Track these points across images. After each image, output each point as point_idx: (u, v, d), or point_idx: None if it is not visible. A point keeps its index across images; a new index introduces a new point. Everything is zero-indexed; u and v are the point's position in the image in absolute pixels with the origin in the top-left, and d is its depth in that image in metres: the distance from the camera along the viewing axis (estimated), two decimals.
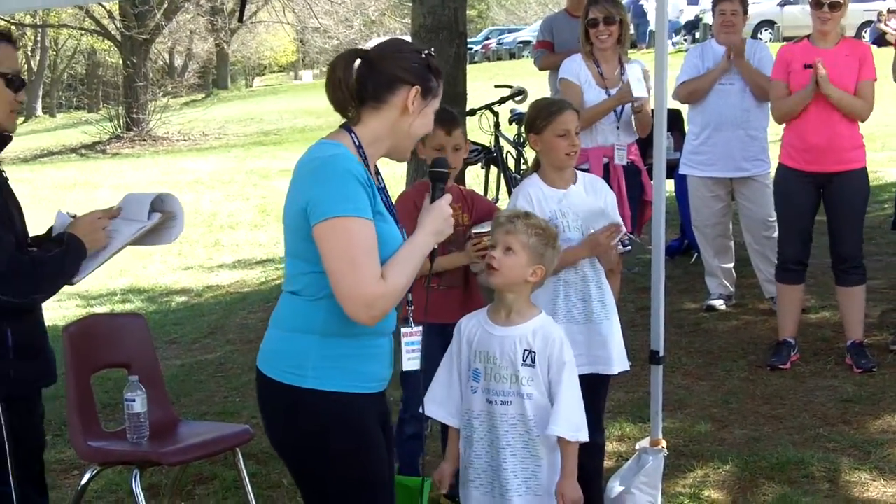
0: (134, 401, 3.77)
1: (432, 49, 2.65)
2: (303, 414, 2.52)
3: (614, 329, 3.68)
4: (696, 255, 6.88)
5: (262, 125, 23.37)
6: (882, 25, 12.15)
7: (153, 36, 24.13)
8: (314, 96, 27.54)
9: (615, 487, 3.73)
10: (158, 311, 7.87)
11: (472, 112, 8.72)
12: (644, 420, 4.49)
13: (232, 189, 13.70)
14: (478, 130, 9.39)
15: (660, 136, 3.75)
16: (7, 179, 2.93)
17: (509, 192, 8.75)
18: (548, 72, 6.85)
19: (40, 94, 37.75)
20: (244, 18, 24.75)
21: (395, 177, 5.94)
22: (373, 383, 2.59)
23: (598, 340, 3.63)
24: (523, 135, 9.27)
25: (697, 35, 24.40)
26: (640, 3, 23.38)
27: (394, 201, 2.73)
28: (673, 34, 24.55)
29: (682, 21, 26.45)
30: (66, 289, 3.20)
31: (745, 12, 6.01)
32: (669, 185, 6.25)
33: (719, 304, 6.30)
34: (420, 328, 2.69)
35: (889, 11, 12.40)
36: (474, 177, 9.48)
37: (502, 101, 9.38)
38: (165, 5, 23.97)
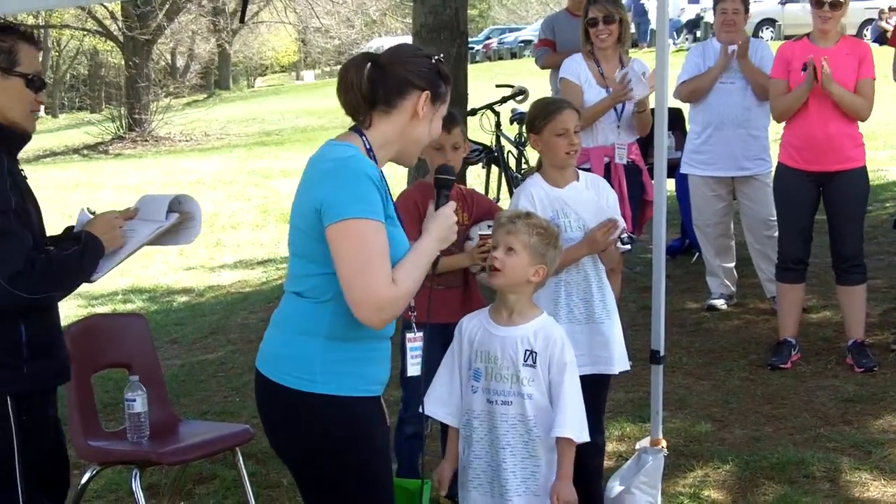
0: (134, 401, 3.77)
1: (441, 55, 2.68)
2: (309, 418, 2.52)
3: (615, 329, 3.68)
4: (697, 254, 6.88)
5: (263, 125, 23.37)
6: (883, 23, 12.13)
7: (155, 36, 24.15)
8: (316, 96, 27.58)
9: (615, 487, 3.72)
10: (160, 310, 7.87)
11: (474, 112, 8.71)
12: (644, 420, 4.48)
13: (233, 189, 13.70)
14: (479, 130, 9.39)
15: (661, 136, 3.75)
16: (26, 178, 2.94)
17: (510, 192, 8.76)
18: (549, 71, 6.85)
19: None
20: (246, 19, 24.77)
21: (395, 177, 5.94)
22: (375, 386, 2.61)
23: (600, 340, 3.63)
24: (524, 134, 9.29)
25: (698, 34, 24.40)
26: (641, 1, 23.36)
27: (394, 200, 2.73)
28: (674, 33, 24.55)
29: (683, 20, 26.45)
30: None
31: (747, 11, 6.01)
32: (670, 184, 6.25)
33: (720, 303, 6.29)
34: (422, 333, 2.71)
35: (890, 9, 12.41)
36: (475, 176, 9.48)
37: (503, 100, 9.38)
38: (167, 6, 23.99)
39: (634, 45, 22.26)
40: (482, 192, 7.74)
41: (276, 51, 42.99)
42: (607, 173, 5.17)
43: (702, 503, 4.00)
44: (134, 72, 22.86)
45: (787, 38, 21.46)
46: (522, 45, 32.39)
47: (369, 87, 2.54)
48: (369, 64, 2.56)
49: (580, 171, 3.84)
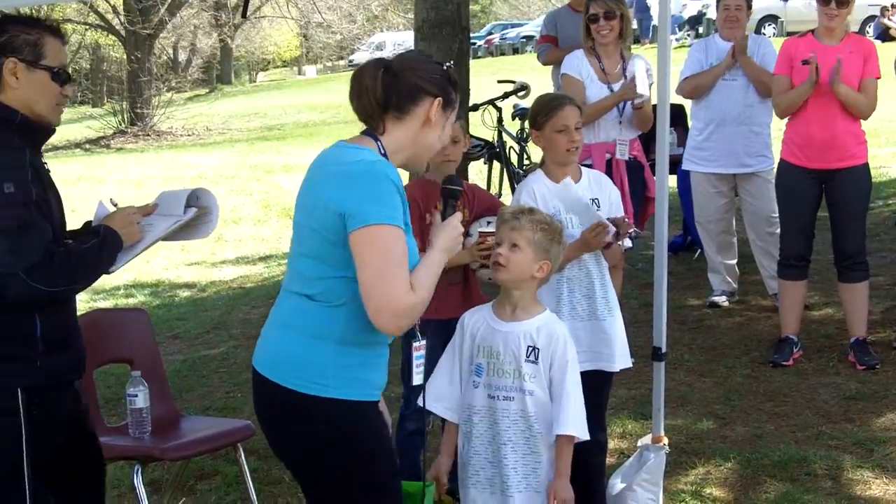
0: (136, 396, 3.77)
1: (451, 62, 2.70)
2: (320, 423, 2.52)
3: (617, 326, 3.68)
4: (698, 251, 6.87)
5: (265, 120, 23.36)
6: (886, 20, 12.12)
7: (157, 31, 24.15)
8: (318, 91, 27.56)
9: (617, 484, 3.73)
10: (162, 305, 7.88)
11: (476, 107, 8.72)
12: (646, 417, 4.48)
13: (235, 184, 13.70)
14: (481, 126, 9.39)
15: (662, 132, 3.74)
16: (49, 171, 2.95)
17: (512, 188, 8.76)
18: (551, 67, 6.85)
19: None
20: (247, 14, 24.75)
21: None
22: (377, 391, 2.63)
23: (602, 337, 3.63)
24: (526, 130, 9.30)
25: (700, 30, 24.36)
26: None
27: None
28: (676, 29, 24.51)
29: (685, 16, 26.42)
30: None
31: (749, 7, 6.00)
32: (672, 180, 6.25)
33: (722, 300, 6.29)
34: (424, 342, 2.73)
35: (893, 6, 12.39)
36: (477, 172, 9.48)
37: (505, 96, 9.38)
38: (169, 0, 23.97)
39: (636, 41, 22.26)
40: (484, 187, 7.74)
41: (277, 45, 42.95)
42: (609, 169, 5.16)
43: (703, 501, 3.99)
44: (136, 66, 22.86)
45: (789, 34, 21.41)
46: (524, 40, 32.35)
47: (384, 92, 2.56)
48: (382, 70, 2.57)
49: (583, 168, 3.83)
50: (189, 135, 21.96)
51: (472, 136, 8.44)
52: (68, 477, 3.02)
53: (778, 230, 5.78)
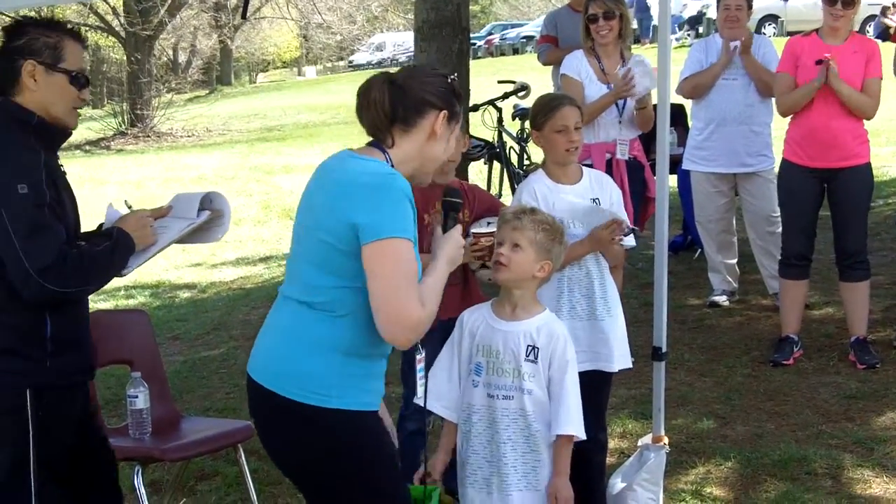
0: (136, 397, 3.77)
1: (455, 74, 2.72)
2: (322, 433, 2.52)
3: (617, 326, 3.67)
4: (699, 250, 6.87)
5: (265, 121, 23.35)
6: (886, 20, 12.11)
7: (157, 32, 24.13)
8: (318, 92, 27.56)
9: (617, 484, 3.72)
10: (162, 306, 7.88)
11: (476, 108, 8.72)
12: (646, 416, 4.48)
13: (235, 185, 13.70)
14: (481, 126, 9.39)
15: (663, 132, 3.74)
16: (65, 173, 2.97)
17: (512, 188, 8.76)
18: (551, 67, 6.85)
19: None
20: (247, 15, 24.74)
21: None
22: (377, 400, 2.64)
23: (601, 337, 3.63)
24: (526, 130, 9.30)
25: (701, 30, 24.36)
26: None
27: None
28: (676, 29, 24.51)
29: (685, 16, 26.41)
30: None
31: (750, 7, 5.99)
32: (672, 180, 6.24)
33: (722, 299, 6.29)
34: (424, 354, 2.76)
35: (894, 6, 12.39)
36: (477, 172, 9.48)
37: (505, 96, 9.38)
38: (169, 2, 23.96)
39: (637, 41, 22.27)
40: (484, 187, 7.74)
41: (277, 46, 42.96)
42: (609, 169, 5.16)
43: (704, 500, 3.99)
44: (136, 67, 22.84)
45: (789, 34, 21.42)
46: (524, 40, 32.35)
47: (391, 105, 2.57)
48: (388, 83, 2.59)
49: (585, 168, 3.83)
50: (189, 136, 21.96)
51: (472, 137, 8.45)
52: (79, 478, 3.03)
53: (778, 230, 5.77)
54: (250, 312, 7.33)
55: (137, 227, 3.00)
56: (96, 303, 7.72)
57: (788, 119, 5.41)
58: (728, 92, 5.92)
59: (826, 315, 5.99)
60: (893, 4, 18.36)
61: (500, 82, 9.96)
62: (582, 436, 3.09)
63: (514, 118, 9.58)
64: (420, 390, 2.79)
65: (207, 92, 34.15)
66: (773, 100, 5.92)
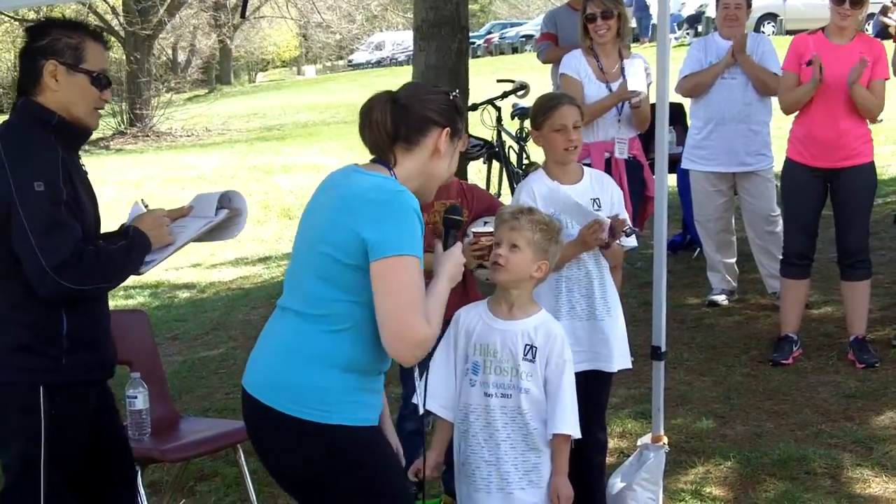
0: (136, 398, 3.77)
1: (457, 91, 2.73)
2: (322, 449, 2.51)
3: (617, 326, 3.67)
4: (698, 250, 6.87)
5: (264, 120, 23.35)
6: (885, 18, 12.09)
7: (156, 32, 24.12)
8: (317, 91, 27.55)
9: (616, 484, 3.72)
10: (161, 307, 7.88)
11: (475, 107, 8.71)
12: (645, 416, 4.48)
13: (234, 185, 13.68)
14: (480, 125, 9.38)
15: (661, 131, 3.74)
16: (87, 173, 2.99)
17: (511, 188, 8.75)
18: (550, 66, 6.84)
19: None
20: (247, 14, 24.73)
21: None
22: (376, 414, 2.64)
23: (600, 338, 3.63)
24: (525, 129, 9.29)
25: (700, 28, 24.36)
26: None
27: None
28: (675, 28, 24.51)
29: (684, 15, 26.41)
30: None
31: (749, 6, 5.99)
32: (671, 179, 6.24)
33: (721, 299, 6.29)
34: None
35: (894, 4, 12.36)
36: (476, 172, 9.47)
37: (504, 95, 9.37)
38: (168, 1, 23.95)
39: (636, 39, 22.27)
40: (483, 187, 7.74)
41: (277, 46, 42.94)
42: (608, 168, 5.16)
43: (703, 500, 3.99)
44: (135, 67, 22.83)
45: (788, 32, 21.42)
46: (524, 39, 32.35)
47: (392, 124, 2.57)
48: (390, 102, 2.60)
49: (585, 168, 3.83)
50: (188, 135, 21.94)
51: (471, 136, 8.45)
52: (94, 477, 3.03)
53: (777, 229, 5.76)
54: (249, 312, 7.33)
55: (154, 226, 3.02)
56: None
57: (791, 118, 5.40)
58: (727, 91, 5.92)
59: (825, 314, 5.99)
60: (893, 3, 18.31)
61: (499, 81, 9.95)
62: (577, 435, 3.10)
63: (513, 117, 9.57)
64: (420, 398, 2.80)
65: (207, 91, 34.14)
66: (773, 99, 5.94)
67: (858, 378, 5.04)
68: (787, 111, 5.39)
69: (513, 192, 7.56)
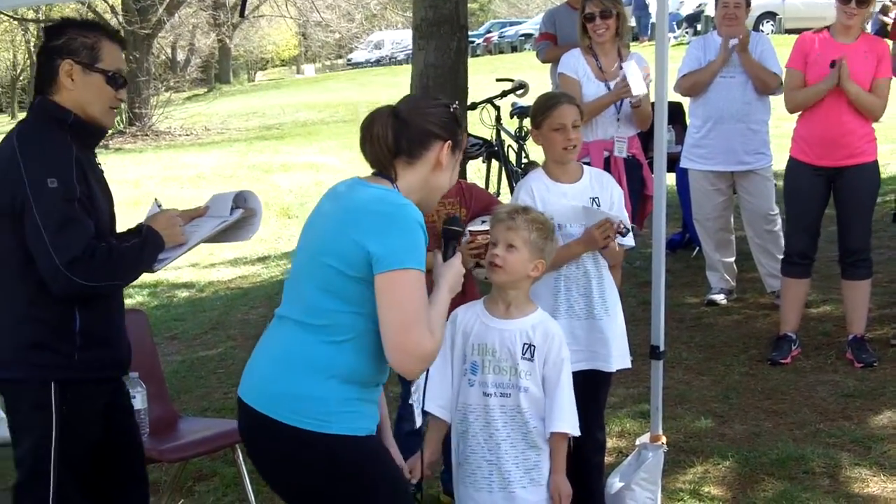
0: (134, 397, 3.75)
1: (457, 103, 2.74)
2: (320, 458, 2.51)
3: (616, 326, 3.67)
4: (697, 249, 6.87)
5: (264, 119, 23.33)
6: (884, 17, 12.08)
7: (155, 31, 24.10)
8: (316, 90, 27.53)
9: (615, 483, 3.72)
10: (160, 306, 7.87)
11: (474, 106, 8.70)
12: (644, 416, 4.48)
13: (234, 184, 13.66)
14: (479, 124, 9.37)
15: (660, 130, 3.74)
16: (103, 171, 3.01)
17: (511, 187, 8.75)
18: (549, 65, 6.84)
19: None
20: (246, 13, 24.72)
21: None
22: (374, 423, 2.64)
23: (599, 337, 3.63)
24: (524, 128, 9.28)
25: (699, 27, 24.36)
26: None
27: None
28: (674, 26, 24.50)
29: (683, 13, 26.40)
30: None
31: (748, 4, 5.98)
32: (670, 178, 6.24)
33: (720, 298, 6.29)
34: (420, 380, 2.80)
35: (894, 3, 12.36)
36: (475, 171, 9.47)
37: (503, 94, 9.36)
38: (167, 0, 23.95)
39: (635, 38, 22.25)
40: (482, 186, 7.73)
41: (276, 45, 42.91)
42: (607, 167, 5.16)
43: (702, 499, 3.99)
44: (134, 66, 22.77)
45: (787, 31, 21.41)
46: (523, 38, 32.35)
47: (394, 139, 2.58)
48: (391, 116, 2.60)
49: (586, 167, 3.82)
50: (187, 135, 21.93)
51: (470, 135, 8.44)
52: (105, 474, 3.03)
53: (776, 228, 5.76)
54: (248, 312, 7.33)
55: (167, 225, 3.05)
56: None
57: (794, 117, 5.40)
58: (726, 90, 5.92)
59: (824, 313, 5.99)
60: (893, 2, 18.32)
61: (498, 80, 9.94)
62: (576, 433, 3.11)
63: (512, 116, 9.56)
64: (419, 420, 2.82)
65: (206, 90, 34.11)
66: (771, 98, 5.94)
67: (857, 377, 5.04)
68: (792, 110, 5.38)
69: (512, 191, 7.56)
